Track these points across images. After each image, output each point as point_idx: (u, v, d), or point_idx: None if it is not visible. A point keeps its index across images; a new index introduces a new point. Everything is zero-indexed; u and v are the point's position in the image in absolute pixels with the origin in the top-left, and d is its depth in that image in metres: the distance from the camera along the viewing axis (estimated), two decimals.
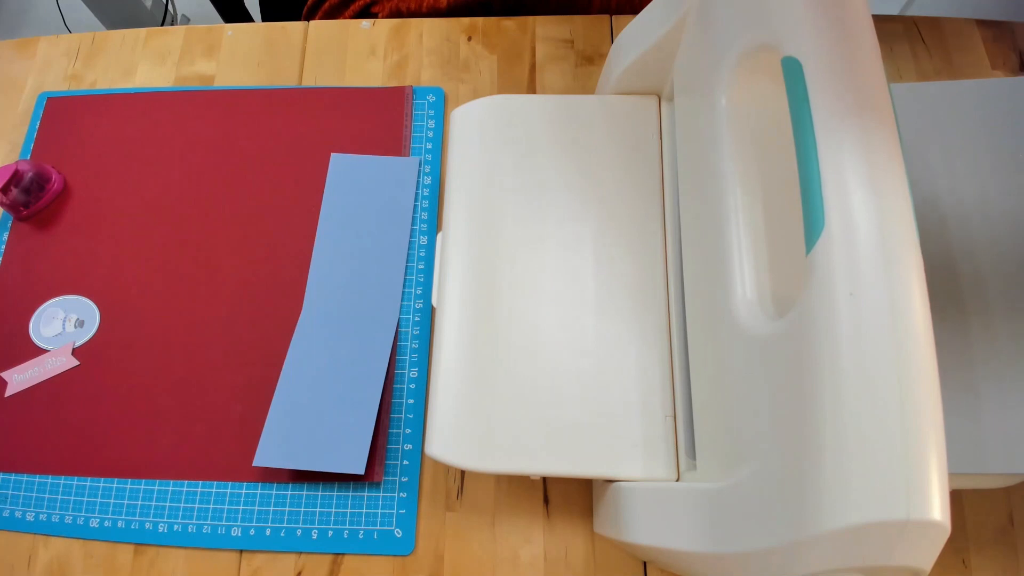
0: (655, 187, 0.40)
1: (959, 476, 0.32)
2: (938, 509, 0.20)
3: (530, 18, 0.55)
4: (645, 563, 0.40)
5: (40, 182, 0.49)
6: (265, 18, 0.81)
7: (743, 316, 0.29)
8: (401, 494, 0.42)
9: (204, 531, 0.41)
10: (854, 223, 0.23)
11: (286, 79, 0.54)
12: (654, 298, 0.37)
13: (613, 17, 0.55)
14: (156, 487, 0.42)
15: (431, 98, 0.53)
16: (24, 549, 0.42)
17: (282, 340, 0.45)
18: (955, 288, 0.34)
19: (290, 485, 0.42)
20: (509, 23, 0.55)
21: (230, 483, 0.42)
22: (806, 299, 0.24)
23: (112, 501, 0.42)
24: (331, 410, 0.42)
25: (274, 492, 0.42)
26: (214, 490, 0.42)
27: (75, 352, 0.46)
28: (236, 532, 0.41)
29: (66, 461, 0.43)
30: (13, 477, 0.43)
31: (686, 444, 0.34)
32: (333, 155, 0.50)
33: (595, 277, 0.38)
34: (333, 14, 0.64)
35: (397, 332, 0.45)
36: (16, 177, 0.48)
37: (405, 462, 0.42)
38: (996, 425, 0.31)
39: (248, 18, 0.87)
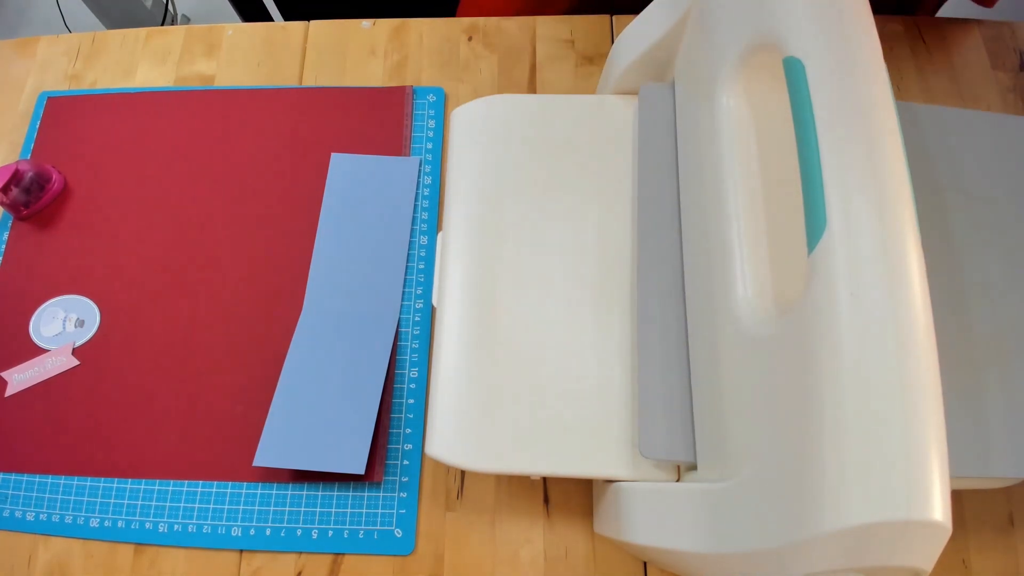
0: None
1: (960, 477, 0.32)
2: (939, 509, 0.20)
3: (530, 18, 0.55)
4: (645, 563, 0.40)
5: (40, 182, 0.49)
6: (285, 16, 0.81)
7: (744, 316, 0.29)
8: (401, 494, 0.42)
9: (204, 531, 0.41)
10: (856, 223, 0.23)
11: (286, 79, 0.54)
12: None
13: (613, 17, 0.55)
14: (156, 487, 0.42)
15: (431, 98, 0.53)
16: (24, 549, 0.42)
17: (282, 340, 0.45)
18: (958, 287, 0.34)
19: (290, 485, 0.42)
20: (509, 23, 0.55)
21: (230, 483, 0.42)
22: (807, 299, 0.24)
23: (112, 501, 0.42)
24: (331, 410, 0.42)
25: (274, 492, 0.42)
26: (214, 490, 0.42)
27: (75, 352, 0.46)
28: (236, 532, 0.41)
29: (66, 461, 0.43)
30: (13, 477, 0.43)
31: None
32: (333, 155, 0.50)
33: (596, 277, 0.38)
34: None
35: (397, 332, 0.45)
36: (16, 177, 0.48)
37: (405, 462, 0.42)
38: (999, 427, 0.31)
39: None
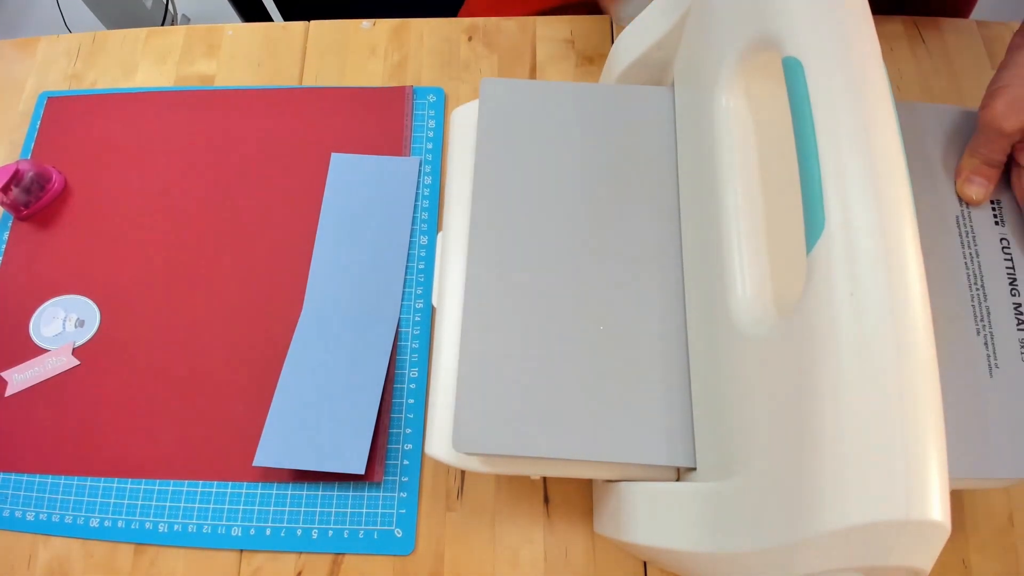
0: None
1: (959, 477, 0.32)
2: (938, 509, 0.20)
3: (530, 18, 0.55)
4: (645, 563, 0.40)
5: (40, 182, 0.49)
6: (285, 17, 0.81)
7: (743, 316, 0.29)
8: (401, 494, 0.42)
9: (204, 531, 0.41)
10: (855, 223, 0.23)
11: (286, 79, 0.54)
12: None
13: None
14: (156, 487, 0.42)
15: (431, 98, 0.53)
16: (24, 549, 0.42)
17: (282, 340, 0.45)
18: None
19: (290, 485, 0.42)
20: (509, 23, 0.55)
21: (230, 483, 0.42)
22: (806, 299, 0.24)
23: (112, 501, 0.42)
24: (331, 410, 0.42)
25: (274, 492, 0.42)
26: (214, 490, 0.42)
27: (75, 352, 0.46)
28: (236, 532, 0.41)
29: (66, 461, 0.43)
30: (13, 477, 0.43)
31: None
32: (333, 155, 0.50)
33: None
34: None
35: (397, 332, 0.45)
36: (16, 177, 0.48)
37: (405, 462, 0.42)
38: (999, 427, 0.31)
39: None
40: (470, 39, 0.55)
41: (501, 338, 0.34)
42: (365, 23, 0.56)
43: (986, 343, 0.32)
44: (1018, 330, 0.33)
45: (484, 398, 0.33)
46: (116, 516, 0.42)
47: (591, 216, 0.37)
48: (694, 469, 0.32)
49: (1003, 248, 0.34)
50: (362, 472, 0.40)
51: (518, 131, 0.39)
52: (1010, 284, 0.34)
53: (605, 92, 0.40)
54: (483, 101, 0.39)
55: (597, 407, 0.33)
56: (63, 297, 0.48)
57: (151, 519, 0.42)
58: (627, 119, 0.39)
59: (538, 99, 0.40)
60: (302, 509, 0.41)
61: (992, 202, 0.35)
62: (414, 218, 0.49)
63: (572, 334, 0.34)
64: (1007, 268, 0.34)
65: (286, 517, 0.41)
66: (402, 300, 0.46)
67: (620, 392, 0.33)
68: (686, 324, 0.35)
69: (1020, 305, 0.33)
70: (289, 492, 0.42)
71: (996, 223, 0.35)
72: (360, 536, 0.41)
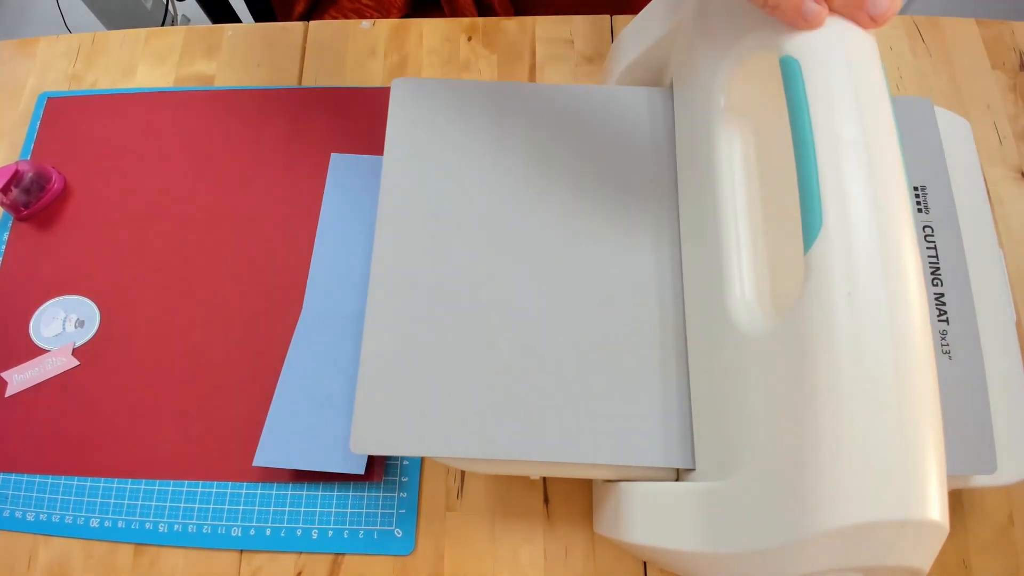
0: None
1: (959, 476, 0.32)
2: (937, 509, 0.20)
3: (530, 18, 0.55)
4: (645, 563, 0.40)
5: (40, 182, 0.49)
6: (256, 19, 0.81)
7: (741, 316, 0.29)
8: (401, 494, 0.42)
9: (204, 531, 0.41)
10: (852, 222, 0.23)
11: (286, 79, 0.54)
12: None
13: (613, 17, 0.55)
14: (156, 487, 0.42)
15: None
16: (24, 549, 0.42)
17: (282, 340, 0.45)
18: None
19: (290, 485, 0.42)
20: (509, 23, 0.55)
21: (230, 483, 0.42)
22: (804, 299, 0.24)
23: (112, 501, 0.42)
24: (331, 410, 0.42)
25: (274, 492, 0.42)
26: (214, 490, 0.42)
27: (75, 352, 0.46)
28: (236, 532, 0.41)
29: (66, 461, 0.43)
30: (13, 477, 0.43)
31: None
32: (333, 155, 0.50)
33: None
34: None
35: None
36: (16, 177, 0.48)
37: (405, 462, 0.42)
38: (999, 427, 0.31)
39: (236, 19, 0.87)
40: (470, 39, 0.55)
41: (409, 340, 0.33)
42: (365, 23, 0.56)
43: None
44: (939, 321, 0.32)
45: (387, 399, 0.32)
46: (116, 516, 0.42)
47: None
48: (693, 469, 0.32)
49: (926, 236, 0.33)
50: (362, 472, 0.40)
51: (433, 132, 0.38)
52: (932, 274, 0.32)
53: (536, 91, 0.39)
54: (393, 103, 0.38)
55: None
56: (63, 297, 0.48)
57: (151, 519, 0.42)
58: (558, 118, 0.39)
59: (457, 99, 0.39)
60: (302, 509, 0.41)
61: (916, 188, 0.34)
62: None
63: (499, 335, 0.34)
64: (929, 258, 0.33)
65: (286, 517, 0.41)
66: None
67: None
68: (685, 323, 0.35)
69: (942, 296, 0.32)
70: (289, 492, 0.42)
71: (920, 210, 0.34)
72: (360, 536, 0.41)
